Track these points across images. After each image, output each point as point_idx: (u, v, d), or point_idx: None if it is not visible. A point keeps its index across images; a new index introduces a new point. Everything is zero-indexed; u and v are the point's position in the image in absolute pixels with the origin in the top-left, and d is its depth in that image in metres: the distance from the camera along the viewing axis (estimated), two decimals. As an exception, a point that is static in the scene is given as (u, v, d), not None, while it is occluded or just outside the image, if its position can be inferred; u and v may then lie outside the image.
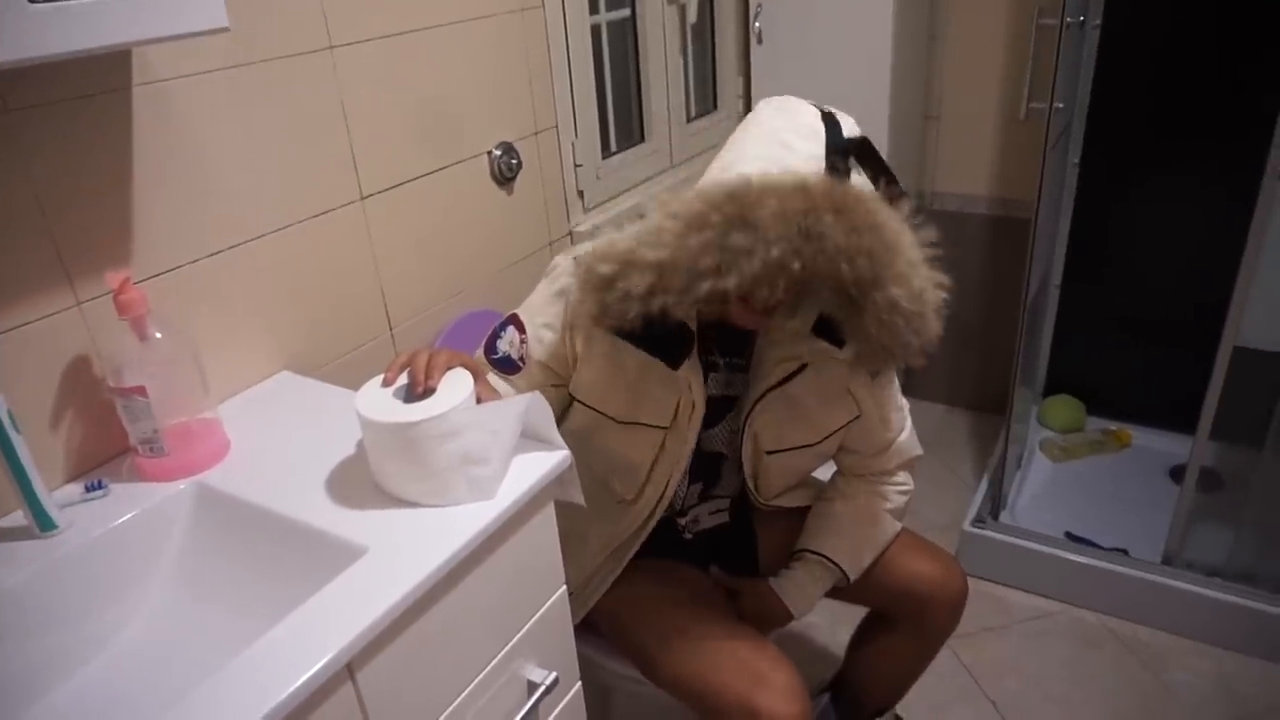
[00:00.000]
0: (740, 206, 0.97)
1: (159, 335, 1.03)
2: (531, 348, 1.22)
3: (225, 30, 0.96)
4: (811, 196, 0.96)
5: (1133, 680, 1.91)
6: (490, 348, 1.23)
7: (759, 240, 0.95)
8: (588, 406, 1.25)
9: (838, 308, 1.09)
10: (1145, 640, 2.00)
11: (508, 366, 1.23)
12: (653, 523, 1.30)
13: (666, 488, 1.27)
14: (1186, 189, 2.29)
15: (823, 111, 1.09)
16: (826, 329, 1.17)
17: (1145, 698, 1.86)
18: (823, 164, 1.03)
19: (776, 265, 0.96)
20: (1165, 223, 2.35)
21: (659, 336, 1.14)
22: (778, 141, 1.05)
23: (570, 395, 1.27)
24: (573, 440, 1.22)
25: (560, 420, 1.29)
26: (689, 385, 1.20)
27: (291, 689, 0.74)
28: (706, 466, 1.35)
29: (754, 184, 0.98)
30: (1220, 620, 1.94)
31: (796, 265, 0.96)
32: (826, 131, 1.06)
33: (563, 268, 1.20)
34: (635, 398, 1.23)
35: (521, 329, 1.22)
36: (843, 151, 1.05)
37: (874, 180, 1.07)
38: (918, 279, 1.03)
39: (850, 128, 1.08)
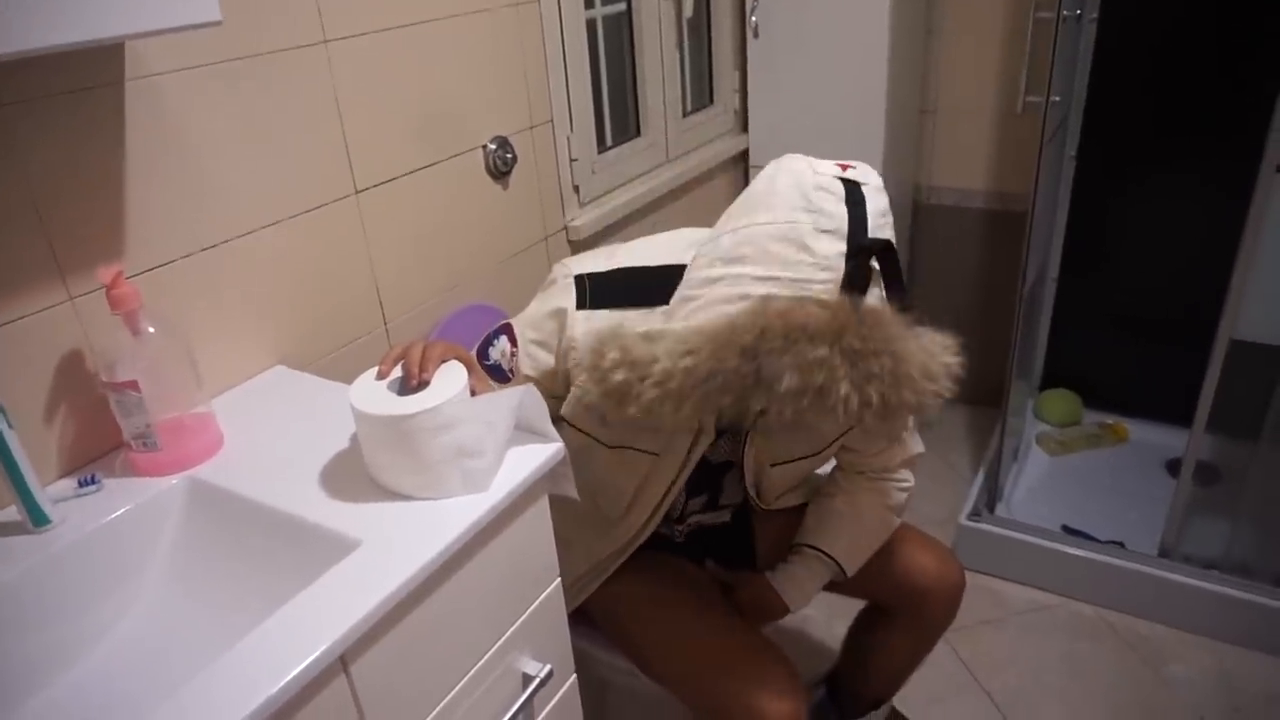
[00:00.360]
0: (757, 362, 0.95)
1: (152, 330, 1.03)
2: (521, 362, 1.19)
3: (218, 24, 0.95)
4: (830, 360, 0.94)
5: (1131, 673, 1.91)
6: (482, 353, 1.22)
7: (774, 397, 0.96)
8: (578, 429, 1.23)
9: None
10: (1143, 633, 2.00)
11: (498, 374, 1.21)
12: (640, 539, 1.29)
13: (656, 511, 1.26)
14: (1184, 182, 2.29)
15: (846, 182, 1.00)
16: None
17: (1143, 691, 1.87)
18: (841, 271, 0.96)
19: (789, 416, 0.97)
20: (1162, 216, 2.35)
21: None
22: (795, 242, 0.97)
23: (560, 416, 1.23)
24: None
25: None
26: (704, 426, 1.18)
27: (285, 681, 0.74)
28: (710, 478, 1.34)
29: (767, 332, 0.94)
30: (1218, 613, 1.94)
31: (810, 416, 0.96)
32: (850, 218, 0.97)
33: (560, 284, 1.17)
34: (630, 426, 1.18)
35: (513, 340, 1.20)
36: (865, 252, 0.97)
37: (887, 282, 1.01)
38: (928, 398, 1.00)
39: (875, 198, 1.00)
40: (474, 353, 1.22)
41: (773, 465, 1.30)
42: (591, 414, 1.16)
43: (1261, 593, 1.90)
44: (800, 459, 1.30)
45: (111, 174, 1.07)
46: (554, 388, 1.20)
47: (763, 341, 0.94)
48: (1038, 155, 1.89)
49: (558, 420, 1.24)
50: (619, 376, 1.00)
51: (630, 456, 1.23)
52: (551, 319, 1.16)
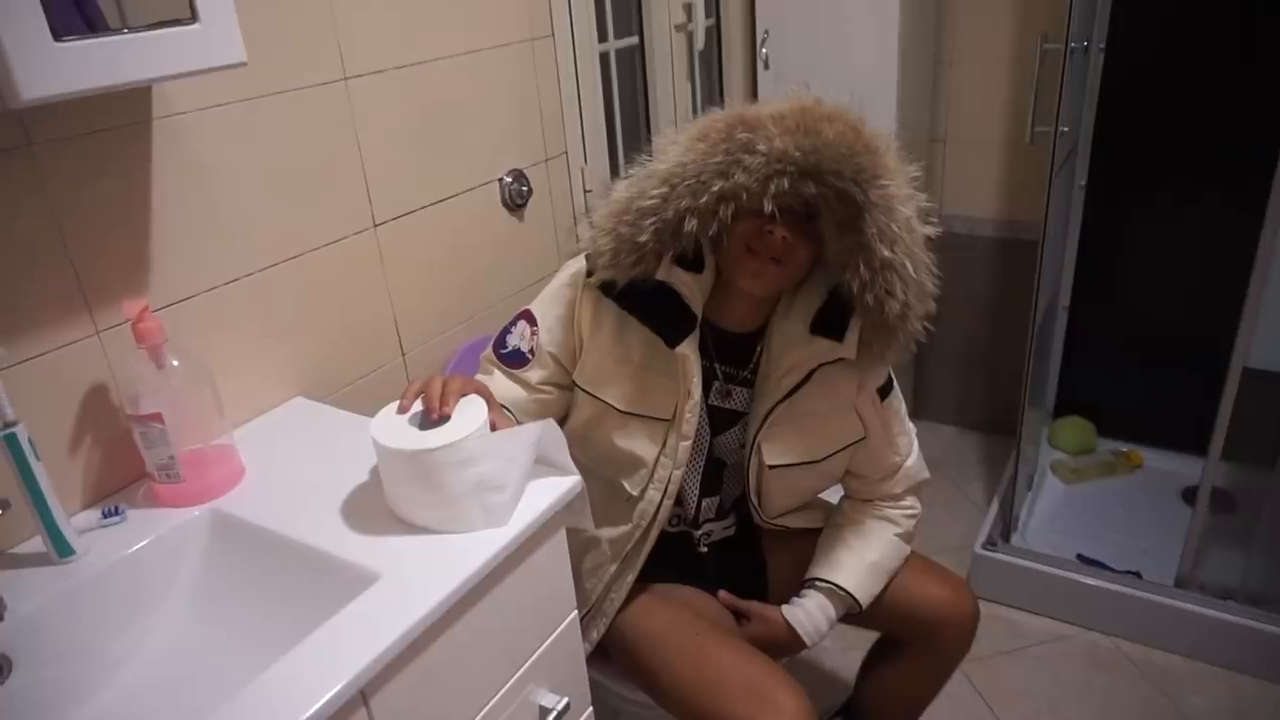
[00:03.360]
0: (740, 113, 1.11)
1: (176, 363, 1.05)
2: (542, 338, 1.26)
3: (243, 65, 0.98)
4: (805, 105, 1.10)
5: (1147, 704, 1.89)
6: (499, 343, 1.30)
7: (761, 135, 1.07)
8: (592, 395, 1.26)
9: (840, 249, 1.13)
10: (1159, 663, 1.98)
11: (516, 359, 1.27)
12: (661, 517, 1.29)
13: (669, 484, 1.26)
14: (1194, 209, 2.29)
15: None
16: (825, 328, 1.20)
17: (1162, 718, 1.85)
18: None
19: (779, 154, 1.06)
20: (1173, 243, 2.35)
21: (663, 313, 1.19)
22: None
23: (575, 385, 1.28)
24: (577, 439, 1.26)
25: (565, 420, 1.32)
26: (685, 370, 1.20)
27: (305, 716, 0.75)
28: (717, 475, 1.36)
29: (737, 123, 1.10)
30: (1234, 643, 1.92)
31: (797, 153, 1.05)
32: None
33: (579, 263, 1.25)
34: (639, 386, 1.24)
35: (532, 322, 1.28)
36: None
37: None
38: (911, 203, 1.13)
39: None
40: (491, 343, 1.30)
41: (772, 468, 1.30)
42: (588, 299, 1.23)
43: (1278, 623, 1.88)
44: (800, 465, 1.30)
45: (137, 210, 1.09)
46: (570, 361, 1.28)
47: (745, 107, 1.12)
48: (1047, 185, 1.90)
49: (573, 404, 1.31)
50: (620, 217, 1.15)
51: (642, 424, 1.26)
52: (569, 285, 1.25)
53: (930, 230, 1.16)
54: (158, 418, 1.04)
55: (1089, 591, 2.05)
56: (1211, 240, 2.27)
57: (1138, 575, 2.07)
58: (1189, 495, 2.33)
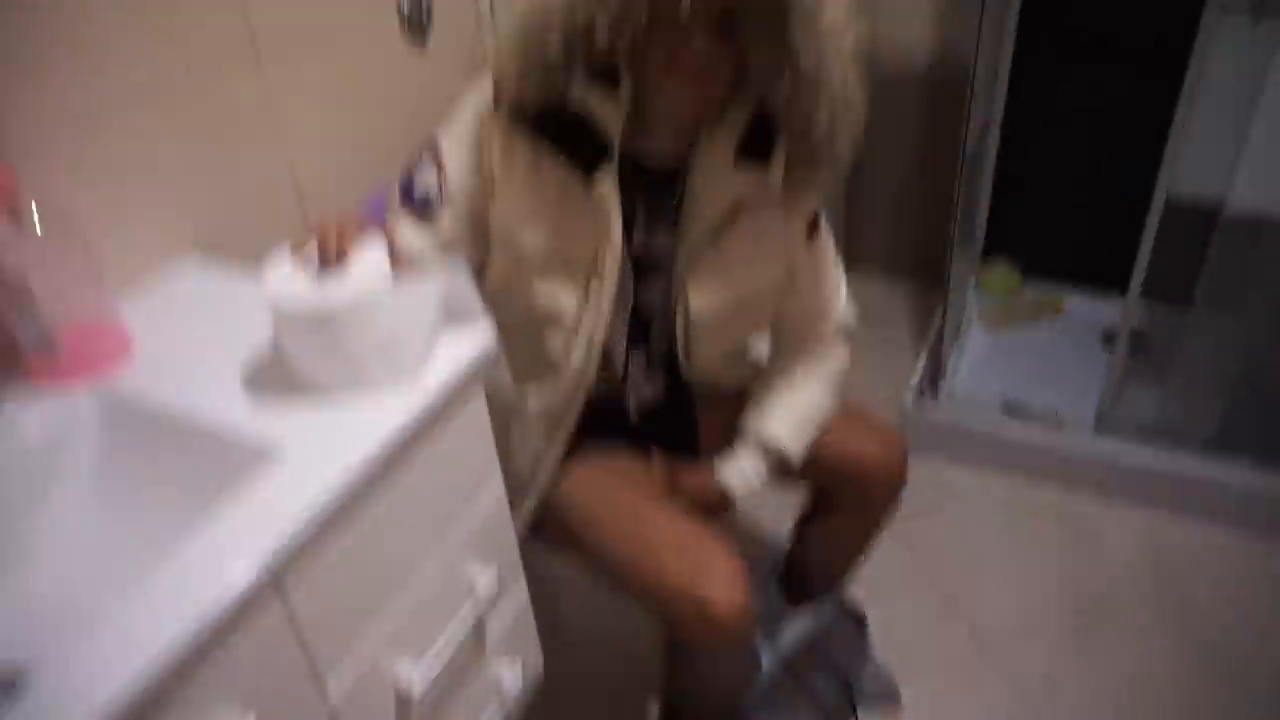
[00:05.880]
0: None
1: (40, 221, 0.93)
2: (450, 182, 1.18)
3: None
4: None
5: (1070, 546, 1.95)
6: (406, 189, 1.20)
7: None
8: (507, 242, 1.20)
9: (763, 61, 1.06)
10: (1081, 506, 2.04)
11: (424, 206, 1.19)
12: (587, 380, 1.25)
13: (593, 339, 1.22)
14: (1126, 43, 2.24)
15: None
16: (752, 153, 1.14)
17: (1082, 561, 1.92)
18: None
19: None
20: (1103, 80, 2.31)
21: (578, 144, 1.12)
22: None
23: (488, 232, 1.22)
24: (495, 298, 1.17)
25: (480, 275, 1.24)
26: (603, 209, 1.14)
27: (215, 604, 0.70)
28: (640, 327, 1.31)
29: None
30: (1150, 481, 1.99)
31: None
32: None
33: (484, 95, 1.16)
34: (555, 230, 1.17)
35: (440, 165, 1.18)
36: None
37: None
38: (838, 9, 1.06)
39: None
40: (398, 188, 1.20)
41: (700, 313, 1.25)
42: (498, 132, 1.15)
43: (1191, 458, 1.94)
44: (727, 307, 1.26)
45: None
46: (482, 205, 1.20)
47: None
48: (979, 16, 1.83)
49: (486, 262, 1.24)
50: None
51: (560, 277, 1.20)
52: (475, 122, 1.17)
53: (858, 36, 1.09)
54: (25, 286, 0.92)
55: (1013, 439, 2.10)
56: (1140, 74, 2.22)
57: (1060, 420, 2.11)
58: (1109, 338, 2.37)
